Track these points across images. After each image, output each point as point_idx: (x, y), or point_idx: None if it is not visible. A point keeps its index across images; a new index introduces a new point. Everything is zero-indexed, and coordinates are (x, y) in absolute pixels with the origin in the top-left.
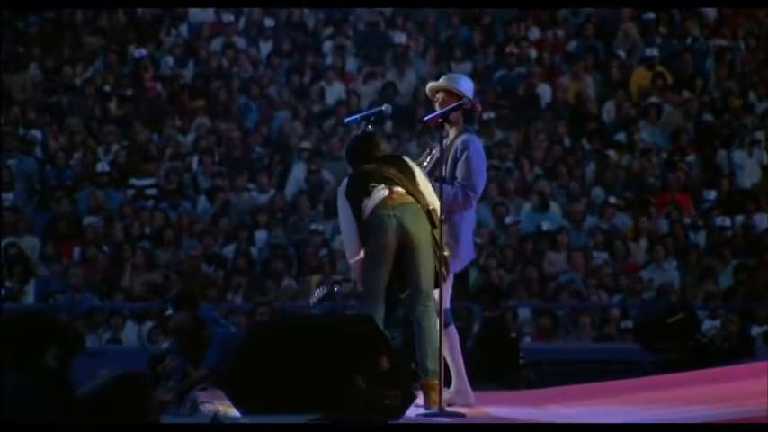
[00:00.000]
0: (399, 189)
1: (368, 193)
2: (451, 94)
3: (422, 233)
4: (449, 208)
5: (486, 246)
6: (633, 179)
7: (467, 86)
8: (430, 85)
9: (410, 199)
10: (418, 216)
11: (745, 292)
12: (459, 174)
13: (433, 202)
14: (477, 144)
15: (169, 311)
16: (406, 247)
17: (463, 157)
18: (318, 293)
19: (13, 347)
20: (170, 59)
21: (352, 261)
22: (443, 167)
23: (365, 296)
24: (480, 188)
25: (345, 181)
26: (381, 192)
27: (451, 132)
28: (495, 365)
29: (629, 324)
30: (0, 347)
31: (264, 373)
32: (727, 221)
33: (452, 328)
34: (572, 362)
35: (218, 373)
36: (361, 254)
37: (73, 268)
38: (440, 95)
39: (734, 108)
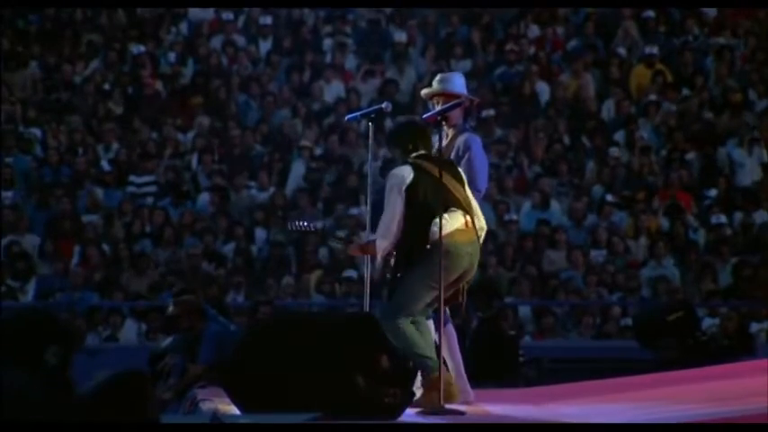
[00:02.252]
0: (469, 219)
1: (444, 210)
2: (449, 96)
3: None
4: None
5: (485, 243)
6: (633, 177)
7: (460, 84)
8: (424, 91)
9: (477, 234)
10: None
11: (745, 290)
12: (462, 173)
13: (480, 221)
14: (479, 142)
15: (170, 308)
16: (457, 279)
17: (466, 157)
18: (299, 225)
19: (14, 345)
20: (170, 57)
21: (381, 245)
22: None
23: (403, 307)
24: (484, 186)
25: (406, 171)
26: (459, 219)
27: (450, 132)
28: (492, 365)
29: (628, 322)
30: (0, 345)
31: (264, 372)
32: (722, 219)
33: (450, 326)
34: (572, 360)
35: (215, 369)
36: (386, 244)
37: (73, 267)
38: (437, 99)
39: (734, 103)
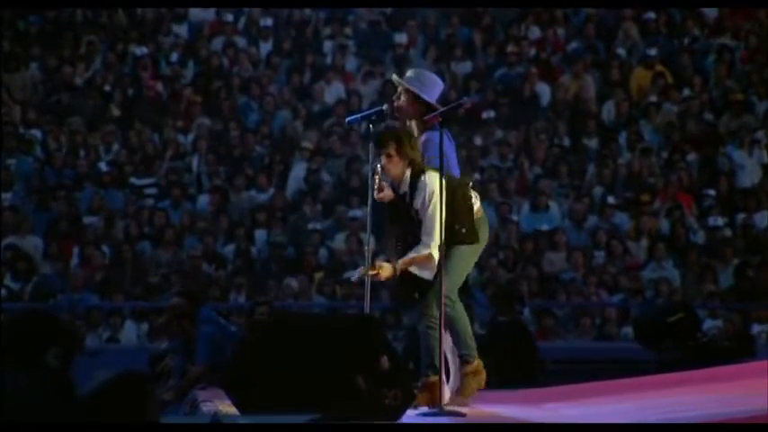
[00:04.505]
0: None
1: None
2: (416, 97)
3: None
4: None
5: (487, 245)
6: (633, 179)
7: (433, 93)
8: (395, 78)
9: None
10: None
11: (745, 292)
12: None
13: None
14: (435, 140)
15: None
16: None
17: (424, 160)
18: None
19: (15, 347)
20: (170, 58)
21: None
22: None
23: (453, 288)
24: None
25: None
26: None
27: (415, 131)
28: (514, 370)
29: (629, 332)
30: (2, 347)
31: (264, 373)
32: (720, 220)
33: None
34: (572, 361)
35: (214, 370)
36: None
37: (73, 268)
38: (404, 93)
39: (735, 102)
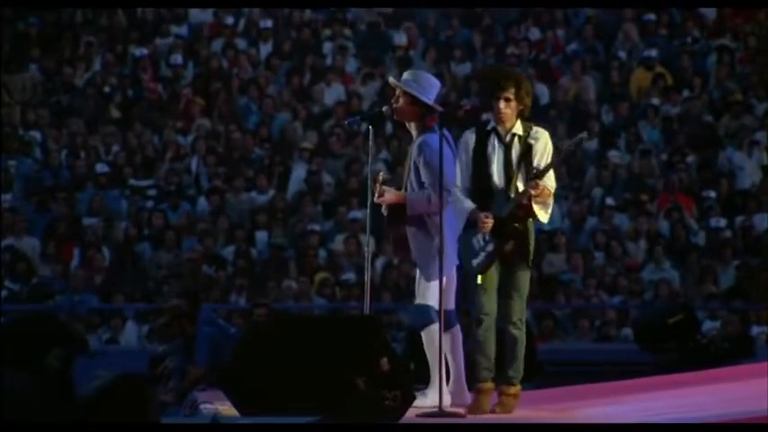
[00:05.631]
0: None
1: None
2: (414, 99)
3: None
4: (430, 212)
5: None
6: (633, 180)
7: (430, 93)
8: (392, 80)
9: None
10: None
11: (745, 293)
12: (423, 178)
13: None
14: (434, 142)
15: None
16: None
17: (421, 161)
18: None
19: (17, 347)
20: (170, 60)
21: None
22: (408, 173)
23: (524, 310)
24: (451, 184)
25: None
26: None
27: (414, 133)
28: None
29: (629, 332)
30: (3, 347)
31: (264, 374)
32: (722, 222)
33: (457, 329)
34: (572, 363)
35: (214, 371)
36: None
37: (73, 269)
38: (402, 96)
39: (735, 103)
